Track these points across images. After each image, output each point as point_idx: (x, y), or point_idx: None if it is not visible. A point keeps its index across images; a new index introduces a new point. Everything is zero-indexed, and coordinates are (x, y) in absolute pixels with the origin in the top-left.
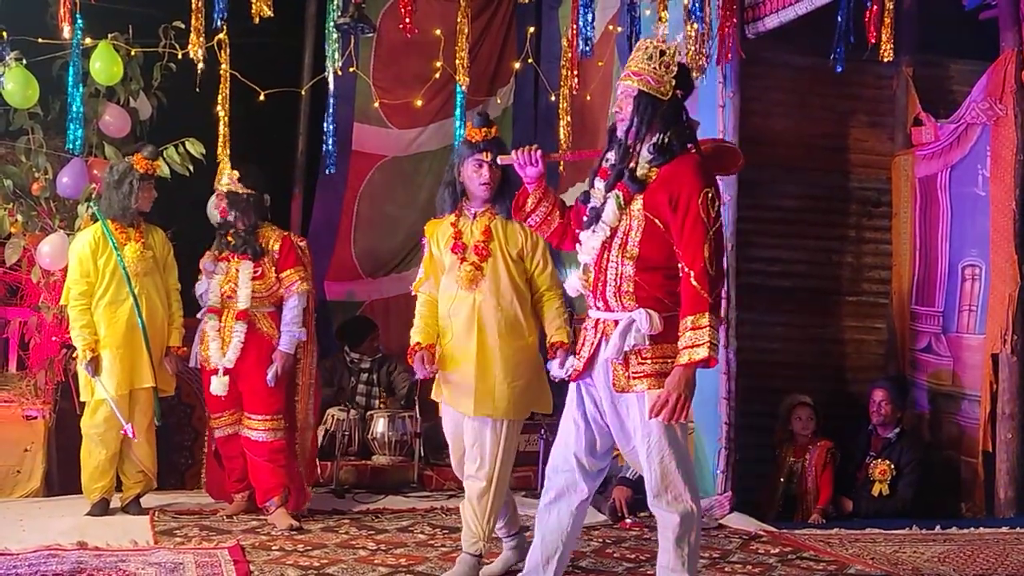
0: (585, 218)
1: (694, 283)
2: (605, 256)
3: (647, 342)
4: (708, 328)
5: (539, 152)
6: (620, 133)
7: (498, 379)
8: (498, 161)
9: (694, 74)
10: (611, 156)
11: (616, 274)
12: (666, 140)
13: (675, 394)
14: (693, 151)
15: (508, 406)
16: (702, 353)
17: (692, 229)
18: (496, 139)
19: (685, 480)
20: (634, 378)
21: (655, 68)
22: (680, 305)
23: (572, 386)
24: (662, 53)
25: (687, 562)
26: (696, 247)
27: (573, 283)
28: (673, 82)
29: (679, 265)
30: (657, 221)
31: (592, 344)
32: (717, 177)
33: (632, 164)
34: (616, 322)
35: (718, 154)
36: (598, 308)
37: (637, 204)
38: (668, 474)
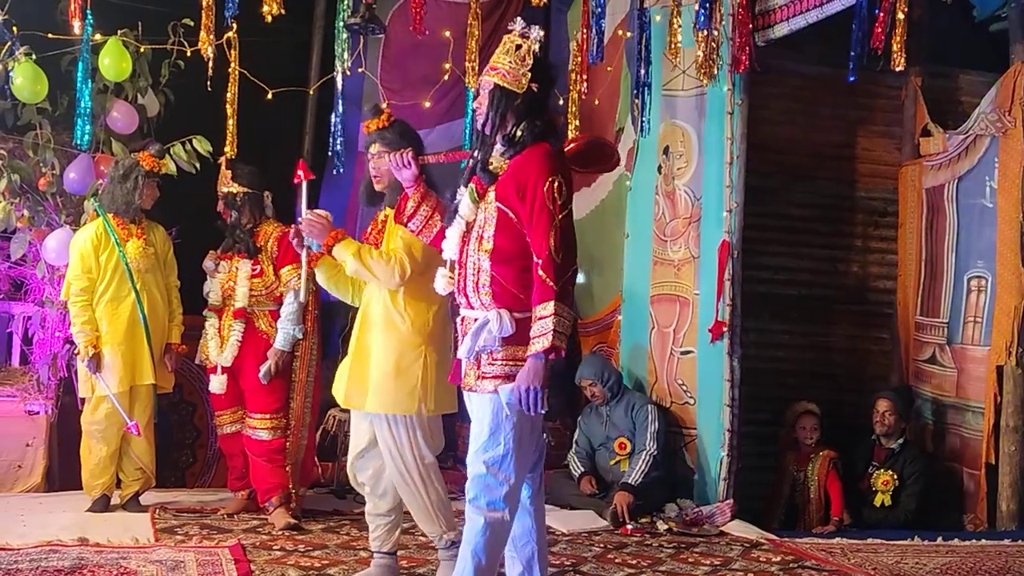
0: (448, 215)
1: (540, 272)
2: (465, 251)
3: (498, 343)
4: (552, 317)
5: (411, 154)
6: (478, 127)
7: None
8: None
9: (703, 80)
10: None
11: (475, 269)
12: (518, 132)
13: (524, 385)
14: (545, 142)
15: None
16: (543, 344)
17: (538, 217)
18: (387, 128)
19: (504, 484)
20: (482, 378)
21: (511, 62)
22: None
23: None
24: (518, 47)
25: (475, 573)
26: (542, 235)
27: (440, 282)
28: (529, 75)
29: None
30: (509, 212)
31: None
32: (586, 172)
33: (486, 157)
34: (476, 320)
35: (589, 149)
36: (462, 305)
37: (490, 196)
38: (486, 474)
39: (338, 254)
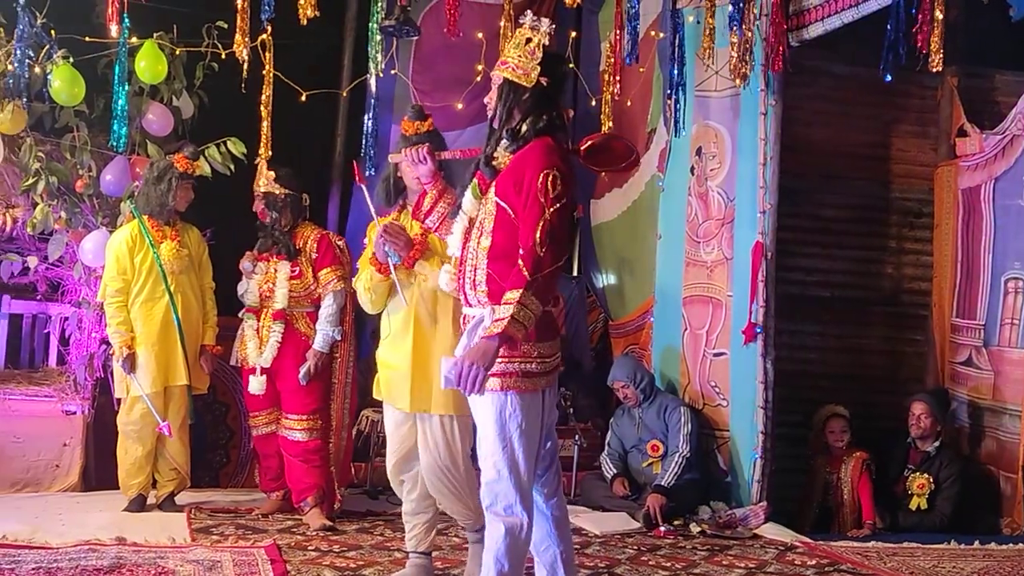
0: (453, 211)
1: (520, 261)
2: (466, 247)
3: None
4: (515, 304)
5: (427, 150)
6: (488, 121)
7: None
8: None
9: (736, 81)
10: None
11: (472, 266)
12: (522, 127)
13: (467, 361)
14: (548, 137)
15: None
16: (497, 328)
17: (529, 209)
18: (430, 132)
19: (517, 489)
20: None
21: (520, 56)
22: None
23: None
24: (528, 40)
25: None
26: (530, 226)
27: (443, 278)
28: (539, 69)
29: None
30: (508, 208)
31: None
32: (607, 171)
33: (492, 151)
34: (474, 317)
35: (605, 148)
36: (462, 302)
37: (491, 192)
38: (499, 480)
39: (420, 268)
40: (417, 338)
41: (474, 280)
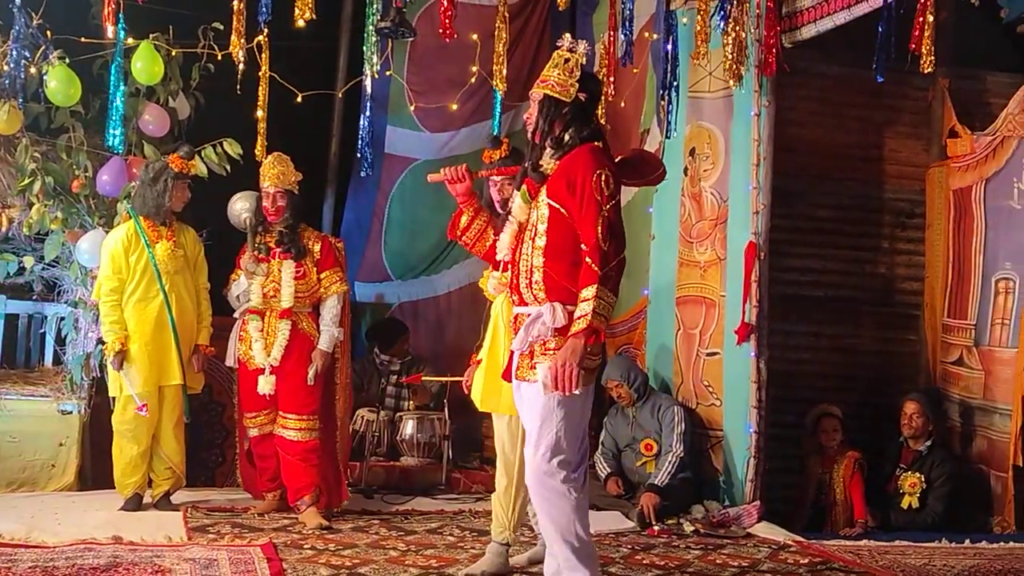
0: (500, 220)
1: (587, 259)
2: (519, 251)
3: (551, 334)
4: (593, 299)
5: (465, 168)
6: (529, 135)
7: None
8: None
9: (729, 82)
10: None
11: (527, 267)
12: (565, 136)
13: (560, 361)
14: (592, 143)
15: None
16: (582, 324)
17: (587, 208)
18: (508, 157)
19: (559, 470)
20: (534, 368)
21: (559, 74)
22: None
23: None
24: (566, 60)
25: (579, 556)
26: (591, 225)
27: (490, 283)
28: (577, 85)
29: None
30: (561, 208)
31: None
32: (634, 184)
33: (536, 160)
34: (530, 315)
35: (637, 162)
36: (515, 302)
37: (542, 195)
38: (541, 463)
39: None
40: (494, 343)
41: (530, 280)
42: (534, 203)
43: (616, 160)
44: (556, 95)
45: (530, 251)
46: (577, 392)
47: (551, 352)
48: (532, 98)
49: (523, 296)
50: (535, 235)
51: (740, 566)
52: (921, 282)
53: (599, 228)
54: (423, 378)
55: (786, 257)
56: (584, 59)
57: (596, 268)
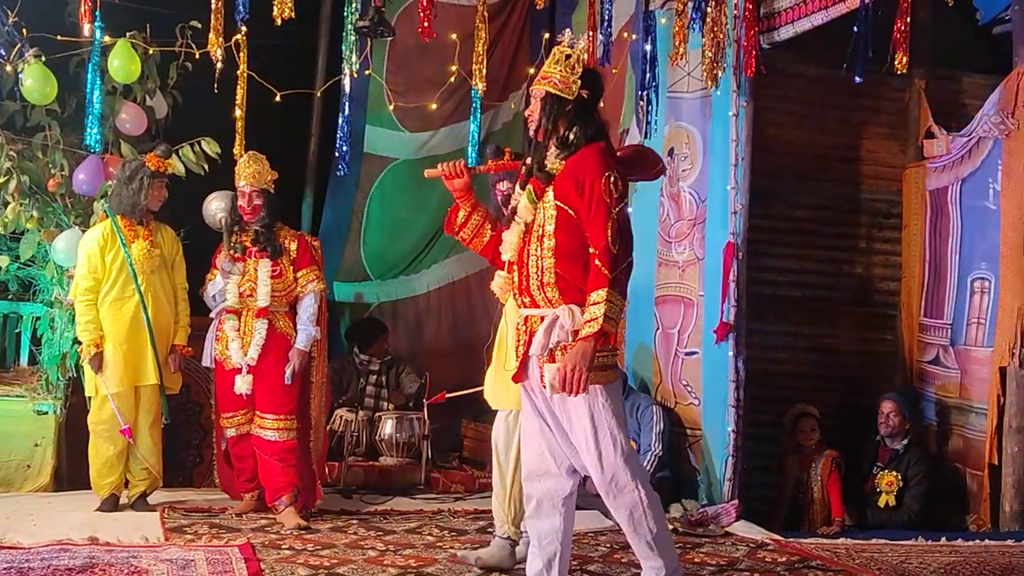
0: (505, 219)
1: (597, 262)
2: (525, 251)
3: (570, 338)
4: (603, 303)
5: (463, 164)
6: (531, 133)
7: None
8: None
9: (708, 83)
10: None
11: (537, 268)
12: (570, 135)
13: (569, 365)
14: (598, 142)
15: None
16: (592, 328)
17: (596, 210)
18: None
19: (627, 467)
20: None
21: (561, 71)
22: None
23: (522, 388)
24: (567, 57)
25: (655, 547)
26: (599, 227)
27: (496, 283)
28: (579, 83)
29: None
30: (568, 209)
31: (524, 343)
32: (632, 180)
33: (541, 159)
34: (543, 318)
35: (636, 159)
36: (524, 304)
37: (549, 195)
38: (611, 465)
39: None
40: (500, 342)
41: (541, 281)
42: (540, 203)
43: (617, 155)
44: (558, 92)
45: (539, 252)
46: (603, 399)
47: None
48: (534, 95)
49: (534, 298)
50: (543, 235)
51: (718, 564)
52: (898, 282)
53: (608, 231)
54: (446, 395)
55: (764, 257)
56: (585, 55)
57: (606, 271)
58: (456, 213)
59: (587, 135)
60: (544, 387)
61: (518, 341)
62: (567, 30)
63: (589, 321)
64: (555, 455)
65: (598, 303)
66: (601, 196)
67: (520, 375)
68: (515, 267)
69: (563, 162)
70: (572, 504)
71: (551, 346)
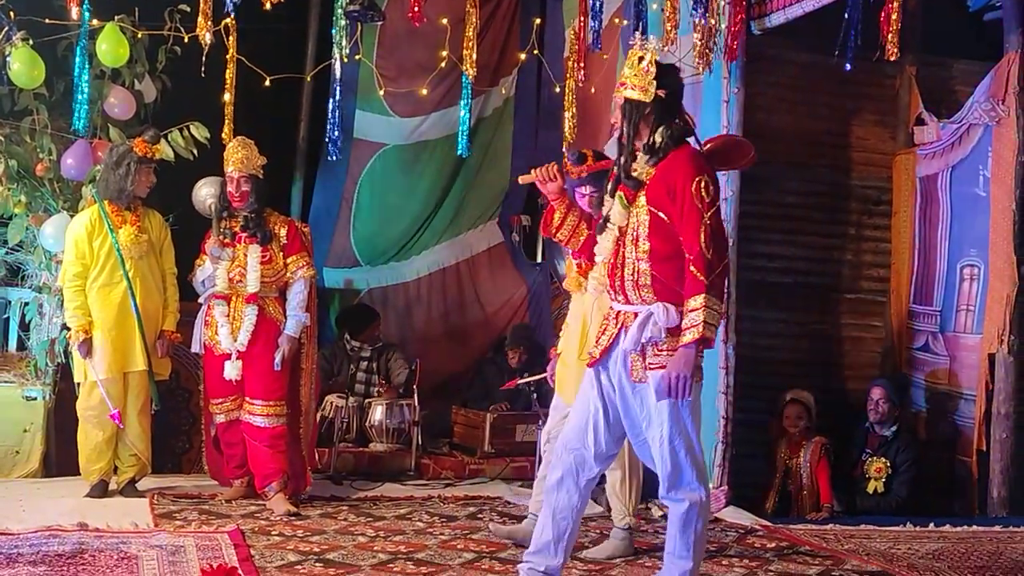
0: (599, 223)
1: (692, 268)
2: (620, 253)
3: (663, 335)
4: (702, 309)
5: (556, 168)
6: (618, 140)
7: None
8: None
9: (700, 69)
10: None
11: (632, 269)
12: (656, 139)
13: (674, 372)
14: (687, 144)
15: None
16: (693, 334)
17: (688, 216)
18: (593, 174)
19: (694, 467)
20: (650, 369)
21: (635, 74)
22: None
23: (589, 371)
24: (640, 59)
25: (693, 548)
26: (693, 233)
27: (591, 283)
28: (655, 83)
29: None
30: (661, 214)
31: (611, 335)
32: (725, 170)
33: (628, 165)
34: (636, 314)
35: (726, 149)
36: (618, 301)
37: (641, 201)
38: (678, 463)
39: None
40: (582, 337)
41: (636, 282)
42: (633, 207)
43: (704, 148)
44: (636, 97)
45: (634, 255)
46: (690, 398)
47: (664, 353)
48: (615, 103)
49: (628, 296)
50: (637, 240)
51: (708, 550)
52: (887, 268)
53: (702, 236)
54: (519, 381)
55: (755, 243)
56: (659, 55)
57: (702, 277)
58: (552, 215)
59: (673, 137)
60: (634, 380)
61: (603, 331)
62: (637, 32)
63: (690, 328)
64: (599, 439)
65: (696, 309)
66: (693, 202)
67: (600, 361)
68: (607, 267)
69: (653, 168)
70: (591, 488)
71: (643, 341)
